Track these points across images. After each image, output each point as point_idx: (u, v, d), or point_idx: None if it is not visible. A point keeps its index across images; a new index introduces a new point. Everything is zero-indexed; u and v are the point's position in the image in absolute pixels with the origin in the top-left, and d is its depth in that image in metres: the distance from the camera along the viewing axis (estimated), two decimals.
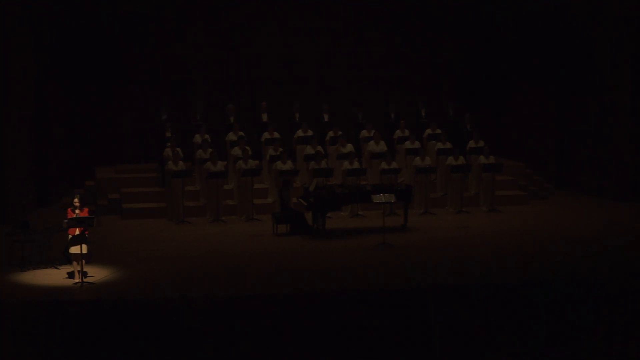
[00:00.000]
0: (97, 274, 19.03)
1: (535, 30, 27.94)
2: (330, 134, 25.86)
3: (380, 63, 28.59)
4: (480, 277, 18.94)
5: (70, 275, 18.73)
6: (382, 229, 21.66)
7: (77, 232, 18.51)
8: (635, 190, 26.05)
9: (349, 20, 28.42)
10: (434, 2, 28.72)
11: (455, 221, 23.91)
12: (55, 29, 25.81)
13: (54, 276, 18.96)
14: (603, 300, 17.41)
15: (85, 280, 18.47)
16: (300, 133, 25.67)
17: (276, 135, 25.43)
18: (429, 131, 26.16)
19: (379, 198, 21.80)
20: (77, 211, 18.57)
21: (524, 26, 28.21)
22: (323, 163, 24.22)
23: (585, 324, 16.11)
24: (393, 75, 28.59)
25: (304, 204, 22.63)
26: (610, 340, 15.46)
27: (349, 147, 25.04)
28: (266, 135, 25.52)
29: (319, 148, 24.83)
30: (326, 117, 26.74)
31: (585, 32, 26.84)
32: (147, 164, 26.38)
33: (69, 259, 18.84)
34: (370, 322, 16.25)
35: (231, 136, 25.35)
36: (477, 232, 22.77)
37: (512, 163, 27.16)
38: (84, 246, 18.45)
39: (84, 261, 18.49)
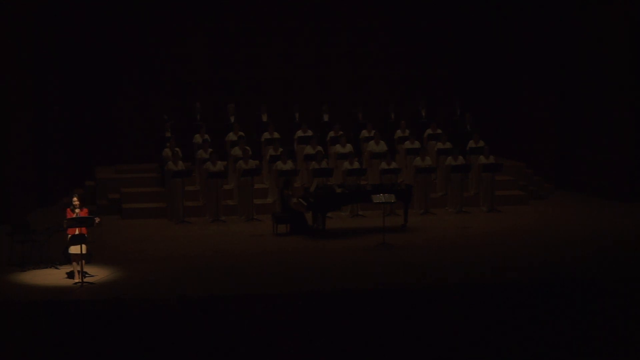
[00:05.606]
0: (97, 274, 19.02)
1: (536, 31, 27.92)
2: (331, 134, 25.86)
3: (380, 63, 28.57)
4: (480, 277, 18.92)
5: (70, 275, 18.72)
6: (382, 229, 21.65)
7: (77, 232, 18.51)
8: (635, 190, 26.04)
9: (349, 20, 28.40)
10: (434, 2, 28.70)
11: (455, 221, 23.90)
12: (55, 29, 25.79)
13: (54, 276, 18.95)
14: (603, 300, 17.40)
15: (85, 280, 18.46)
16: (300, 133, 25.66)
17: (276, 135, 25.42)
18: (429, 131, 26.16)
19: (379, 198, 21.79)
20: (77, 211, 18.58)
21: (525, 26, 28.18)
22: (323, 163, 24.23)
23: (585, 324, 16.11)
24: (393, 75, 28.57)
25: (304, 204, 22.62)
26: (611, 340, 15.45)
27: (349, 147, 25.04)
28: (266, 135, 25.51)
29: (319, 148, 24.83)
30: (326, 117, 26.74)
31: (586, 33, 26.82)
32: (147, 164, 26.36)
33: (68, 259, 18.84)
34: (370, 322, 16.25)
35: (231, 136, 25.34)
36: (477, 232, 22.76)
37: (512, 163, 27.13)
38: (84, 246, 18.44)
39: (83, 261, 18.49)
